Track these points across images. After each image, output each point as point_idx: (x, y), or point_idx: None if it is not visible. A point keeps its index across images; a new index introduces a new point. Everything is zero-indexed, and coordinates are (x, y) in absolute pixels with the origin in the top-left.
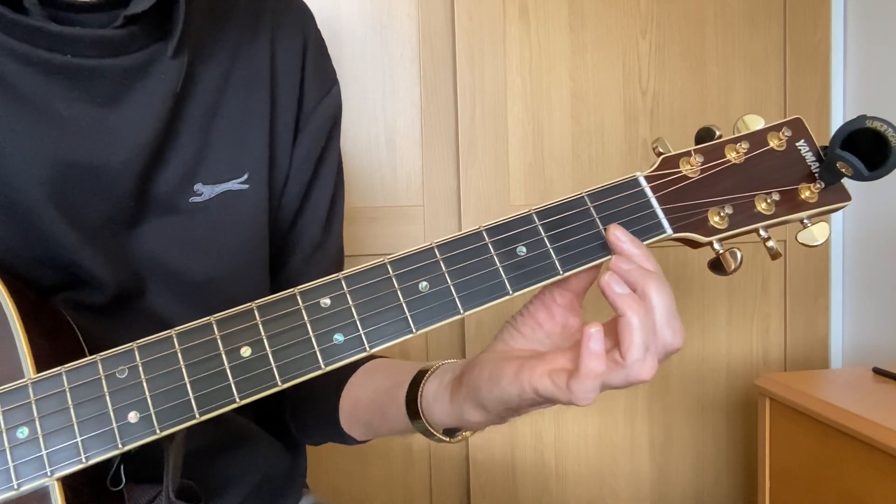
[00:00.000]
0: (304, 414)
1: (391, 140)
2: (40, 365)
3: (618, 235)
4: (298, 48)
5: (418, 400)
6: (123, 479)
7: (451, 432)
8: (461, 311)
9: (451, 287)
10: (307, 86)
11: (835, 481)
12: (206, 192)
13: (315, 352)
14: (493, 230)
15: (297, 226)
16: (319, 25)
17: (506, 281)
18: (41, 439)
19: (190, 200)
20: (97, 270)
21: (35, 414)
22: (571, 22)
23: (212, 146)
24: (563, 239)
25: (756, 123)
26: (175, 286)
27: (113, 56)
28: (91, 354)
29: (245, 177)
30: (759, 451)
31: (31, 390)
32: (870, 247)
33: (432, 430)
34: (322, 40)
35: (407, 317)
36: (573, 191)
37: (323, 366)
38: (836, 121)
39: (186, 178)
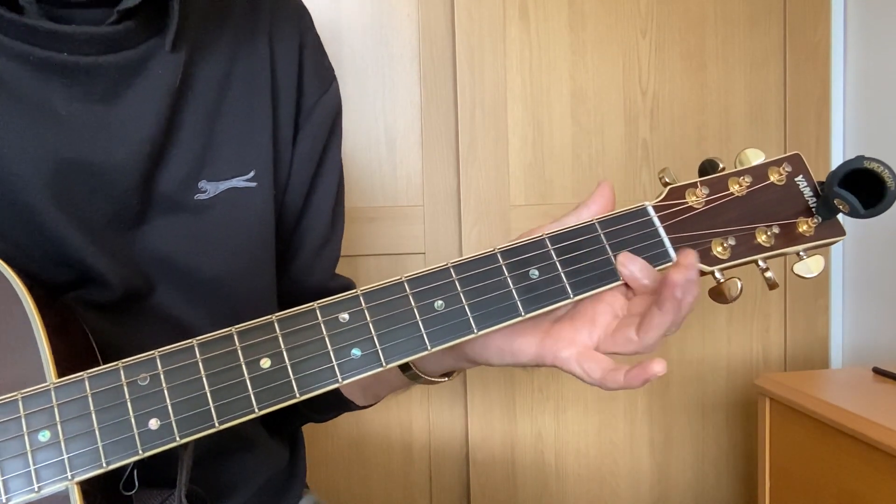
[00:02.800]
0: None
1: (391, 140)
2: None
3: (628, 266)
4: (295, 45)
5: None
6: (136, 484)
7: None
8: (475, 331)
9: (466, 307)
10: (306, 83)
11: (835, 481)
12: (210, 189)
13: (333, 365)
14: (507, 253)
15: (303, 223)
16: (319, 26)
17: (518, 303)
18: (63, 443)
19: (195, 198)
20: (103, 269)
21: (57, 418)
22: (571, 22)
23: (215, 143)
24: (574, 264)
25: (756, 157)
26: (183, 284)
27: (109, 53)
28: (101, 353)
29: (252, 174)
30: (759, 451)
31: (53, 394)
32: (870, 247)
33: (424, 376)
34: (318, 38)
35: (423, 334)
36: (573, 191)
37: (340, 379)
38: (836, 121)
39: (190, 176)
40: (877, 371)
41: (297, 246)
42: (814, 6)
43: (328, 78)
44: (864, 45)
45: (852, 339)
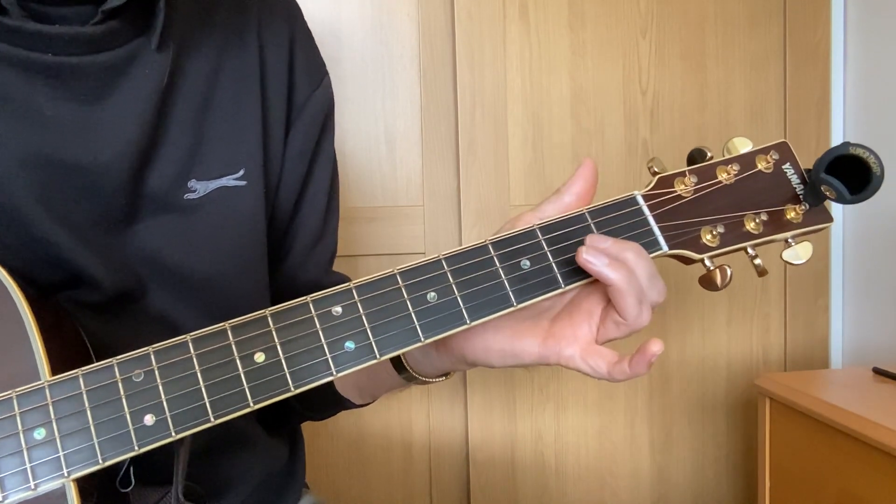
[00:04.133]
0: None
1: (391, 140)
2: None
3: (589, 247)
4: (285, 40)
5: (403, 359)
6: (133, 481)
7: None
8: (468, 322)
9: (459, 298)
10: (297, 78)
11: (835, 481)
12: (200, 188)
13: (327, 358)
14: (498, 244)
15: (296, 220)
16: (319, 26)
17: (510, 293)
18: (58, 441)
19: (185, 197)
20: (93, 270)
21: (52, 416)
22: (571, 22)
23: (204, 142)
24: (565, 253)
25: (744, 146)
26: (175, 284)
27: (94, 53)
28: (95, 352)
29: (241, 172)
30: (759, 451)
31: (48, 392)
32: (870, 247)
33: (421, 378)
34: (309, 32)
35: (416, 326)
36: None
37: (335, 372)
38: (836, 121)
39: (180, 175)
40: (877, 371)
41: (290, 242)
42: (814, 6)
43: (320, 73)
44: (864, 45)
45: (852, 339)
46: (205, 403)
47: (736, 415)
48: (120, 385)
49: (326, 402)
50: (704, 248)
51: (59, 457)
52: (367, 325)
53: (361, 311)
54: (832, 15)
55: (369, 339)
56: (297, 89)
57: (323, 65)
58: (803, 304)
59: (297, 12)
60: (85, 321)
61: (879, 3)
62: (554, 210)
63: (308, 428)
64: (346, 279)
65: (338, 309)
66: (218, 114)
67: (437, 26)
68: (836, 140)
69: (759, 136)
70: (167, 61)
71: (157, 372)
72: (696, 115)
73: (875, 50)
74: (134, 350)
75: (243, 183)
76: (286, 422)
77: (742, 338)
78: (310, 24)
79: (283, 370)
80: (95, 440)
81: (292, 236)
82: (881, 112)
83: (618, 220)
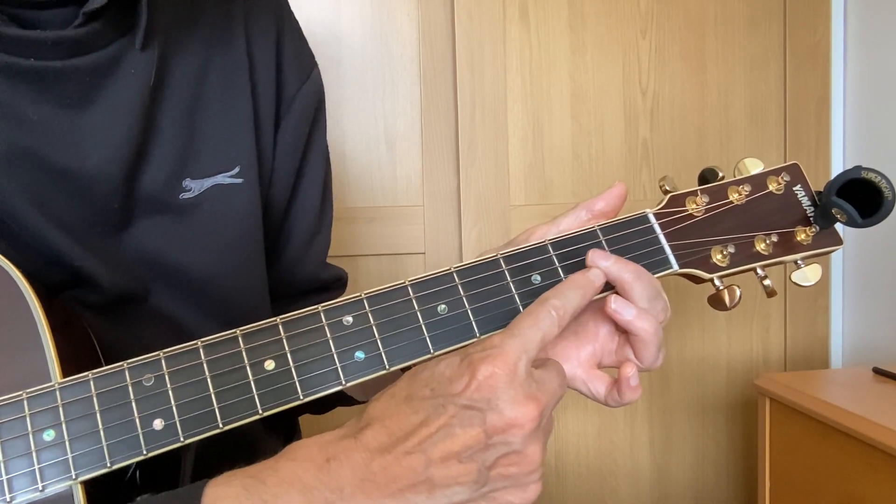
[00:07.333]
0: None
1: (391, 140)
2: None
3: (595, 260)
4: (272, 34)
5: None
6: (139, 484)
7: None
8: (477, 335)
9: (469, 311)
10: (286, 71)
11: (835, 481)
12: (195, 187)
13: (337, 368)
14: (509, 258)
15: (291, 215)
16: (320, 26)
17: (521, 308)
18: (67, 443)
19: (180, 197)
20: (92, 271)
21: (62, 418)
22: (571, 22)
23: (197, 140)
24: (576, 269)
25: (755, 167)
26: (175, 284)
27: (77, 56)
28: (102, 353)
29: (237, 170)
30: (759, 451)
31: (58, 394)
32: (870, 247)
33: None
34: (297, 24)
35: (426, 338)
36: (573, 191)
37: (344, 382)
38: (836, 121)
39: (174, 175)
40: (877, 371)
41: (286, 238)
42: (814, 6)
43: (308, 65)
44: (864, 45)
45: (852, 339)
46: (214, 409)
47: (736, 415)
48: (130, 389)
49: (329, 398)
50: (714, 268)
51: (67, 459)
52: (377, 335)
53: (372, 321)
54: (832, 15)
55: (379, 349)
56: (285, 83)
57: (312, 57)
58: (803, 304)
59: (283, 5)
60: (88, 320)
61: (879, 3)
62: (570, 224)
63: (307, 429)
64: (342, 272)
65: (349, 319)
66: (209, 111)
67: (437, 26)
68: (836, 140)
69: (758, 136)
70: (153, 61)
71: (167, 377)
72: (696, 116)
73: (875, 50)
74: (136, 349)
75: (239, 181)
76: (284, 414)
77: (742, 338)
78: (310, 25)
79: (293, 378)
80: (104, 443)
81: (288, 231)
82: (881, 112)
83: (629, 237)
